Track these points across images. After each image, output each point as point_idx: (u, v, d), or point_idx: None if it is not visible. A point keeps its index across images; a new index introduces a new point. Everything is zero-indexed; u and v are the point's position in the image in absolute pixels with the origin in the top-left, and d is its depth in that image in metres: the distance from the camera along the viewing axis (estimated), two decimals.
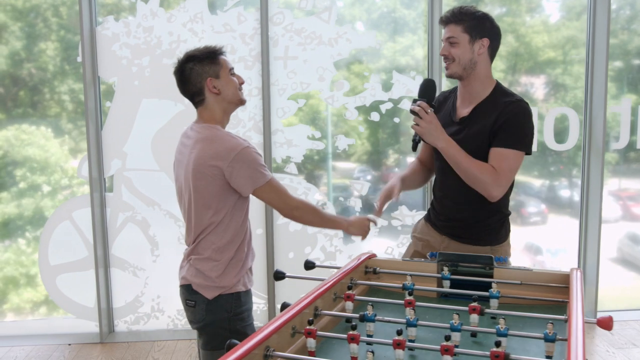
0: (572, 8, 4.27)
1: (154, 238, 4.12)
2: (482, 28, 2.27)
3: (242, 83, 2.29)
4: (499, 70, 4.19)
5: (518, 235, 4.27)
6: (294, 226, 4.16)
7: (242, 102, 2.28)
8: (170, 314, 4.19)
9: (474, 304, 1.74)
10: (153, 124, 4.02)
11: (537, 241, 4.44)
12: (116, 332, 4.18)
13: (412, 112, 2.24)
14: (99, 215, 4.03)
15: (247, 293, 2.28)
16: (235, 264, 2.23)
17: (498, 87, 2.35)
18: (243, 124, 4.05)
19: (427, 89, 2.29)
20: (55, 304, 4.18)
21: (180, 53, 3.89)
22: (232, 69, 2.27)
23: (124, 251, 4.14)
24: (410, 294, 1.84)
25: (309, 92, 4.09)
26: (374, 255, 2.34)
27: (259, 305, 4.22)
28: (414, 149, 2.30)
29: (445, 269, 2.12)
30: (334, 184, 4.28)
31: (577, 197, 4.38)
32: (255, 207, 4.08)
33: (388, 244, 4.21)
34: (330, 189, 4.31)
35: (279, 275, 2.22)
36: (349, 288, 1.92)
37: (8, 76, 4.09)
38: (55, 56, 4.07)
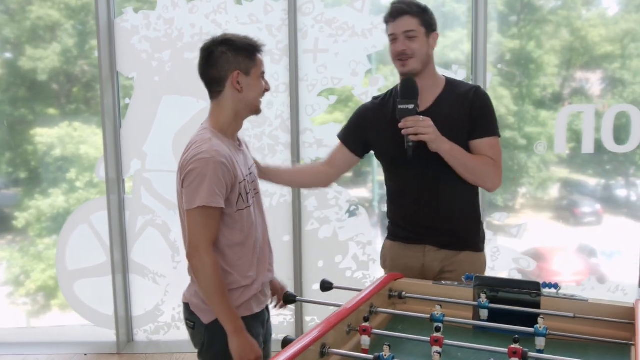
0: (632, 0, 3.87)
1: (175, 243, 3.87)
2: (432, 21, 2.18)
3: (267, 90, 2.01)
4: (552, 65, 3.82)
5: (571, 236, 3.98)
6: (324, 233, 3.85)
7: (258, 111, 2.01)
8: None
9: (516, 345, 1.40)
10: (174, 122, 3.78)
11: (591, 243, 4.08)
12: (135, 342, 3.96)
13: (407, 115, 2.06)
14: (116, 218, 3.81)
15: (253, 318, 2.00)
16: (236, 288, 1.95)
17: (448, 79, 2.27)
18: (269, 123, 3.77)
19: (412, 88, 2.11)
20: (74, 310, 4.00)
21: None
22: (264, 72, 1.99)
23: (144, 257, 3.92)
24: (437, 330, 1.51)
25: (341, 88, 3.77)
26: (400, 276, 2.02)
27: (285, 317, 3.93)
28: (410, 156, 2.07)
29: (483, 295, 1.78)
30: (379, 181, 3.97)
31: (634, 197, 4.01)
32: (282, 212, 3.81)
33: None
34: (376, 187, 4.02)
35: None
36: (366, 320, 1.60)
37: (62, 73, 4.01)
38: None
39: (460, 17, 3.80)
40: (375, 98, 2.40)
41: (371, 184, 4.05)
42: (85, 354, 3.82)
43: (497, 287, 1.80)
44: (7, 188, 4.13)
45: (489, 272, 3.76)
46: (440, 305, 1.69)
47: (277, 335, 1.98)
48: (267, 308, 2.12)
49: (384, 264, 2.42)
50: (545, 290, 1.79)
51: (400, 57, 2.14)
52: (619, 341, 1.56)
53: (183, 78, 3.70)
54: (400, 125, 2.06)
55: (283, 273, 3.75)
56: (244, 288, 1.96)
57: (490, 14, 3.73)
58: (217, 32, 3.58)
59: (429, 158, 2.11)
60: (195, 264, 1.86)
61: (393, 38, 2.16)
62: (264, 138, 3.77)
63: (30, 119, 4.01)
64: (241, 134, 3.74)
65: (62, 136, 3.97)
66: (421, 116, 2.06)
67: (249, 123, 3.75)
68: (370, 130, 2.31)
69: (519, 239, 3.82)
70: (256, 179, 2.11)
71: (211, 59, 1.93)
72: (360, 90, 3.73)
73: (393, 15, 2.14)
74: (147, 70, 3.74)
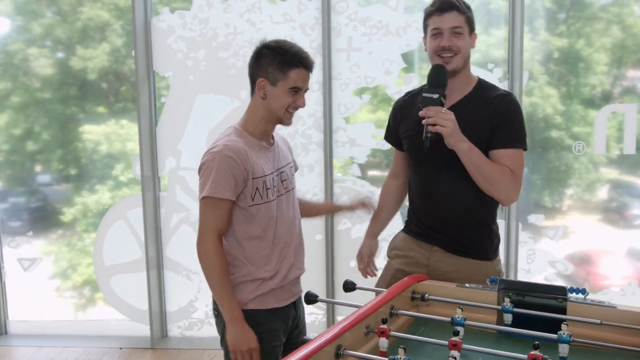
0: None
1: None
2: (473, 21, 2.12)
3: (298, 107, 2.02)
4: (602, 64, 3.72)
5: (620, 239, 3.85)
6: (357, 232, 3.83)
7: (283, 122, 2.04)
8: None
9: (535, 352, 1.35)
10: (208, 121, 3.81)
11: None
12: (169, 337, 4.02)
13: (429, 104, 1.94)
14: (151, 215, 3.87)
15: (270, 312, 2.02)
16: (251, 280, 1.99)
17: (481, 80, 2.18)
18: (302, 122, 3.76)
19: (442, 77, 1.98)
20: (110, 305, 4.09)
21: (237, 45, 3.73)
22: (300, 89, 1.99)
23: (178, 253, 3.97)
24: (456, 334, 1.48)
25: (375, 87, 3.74)
26: (424, 278, 1.98)
27: (317, 316, 3.93)
28: (427, 148, 1.95)
29: (507, 299, 1.74)
30: None
31: None
32: None
33: None
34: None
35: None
36: (384, 321, 1.57)
37: (111, 72, 4.11)
38: None
39: (507, 15, 3.71)
40: (407, 93, 2.36)
41: None
42: (121, 348, 3.90)
43: (522, 291, 1.76)
44: (58, 184, 4.25)
45: (524, 275, 3.70)
46: (461, 309, 1.66)
47: (309, 334, 1.96)
48: (295, 305, 2.13)
49: (389, 253, 2.37)
50: (572, 296, 1.74)
51: (443, 53, 2.05)
52: None
53: (217, 77, 3.74)
54: (421, 113, 1.95)
55: (315, 272, 3.75)
56: (260, 281, 1.99)
57: (537, 11, 3.65)
58: (251, 31, 3.66)
59: (445, 158, 2.03)
60: (200, 251, 1.93)
61: (437, 32, 2.06)
62: (296, 137, 3.77)
63: (81, 117, 4.12)
64: (274, 133, 3.77)
65: (108, 133, 4.06)
66: (443, 108, 1.95)
67: None
68: (401, 124, 2.28)
69: (556, 242, 3.72)
70: (289, 178, 2.13)
71: (252, 59, 2.00)
72: (394, 89, 3.69)
73: (441, 9, 2.05)
74: (183, 69, 3.79)
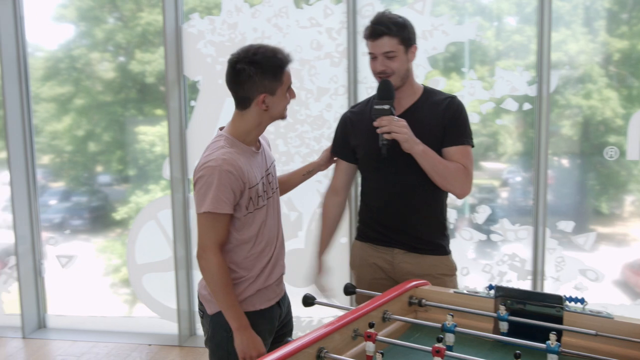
0: None
1: None
2: (411, 35, 2.23)
3: (293, 98, 2.06)
4: None
5: None
6: None
7: (283, 118, 2.06)
8: None
9: None
10: None
11: None
12: (197, 336, 4.11)
13: (382, 115, 2.12)
14: (180, 216, 3.96)
15: (258, 314, 2.05)
16: (241, 282, 2.02)
17: (426, 87, 2.35)
18: (328, 125, 3.78)
19: (389, 90, 2.17)
20: (141, 302, 4.20)
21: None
22: (290, 84, 2.03)
23: None
24: (439, 340, 1.47)
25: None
26: (425, 283, 1.98)
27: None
28: (385, 154, 2.15)
29: (502, 307, 1.72)
30: None
31: None
32: None
33: (485, 261, 3.74)
34: None
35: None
36: (371, 326, 1.58)
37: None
38: None
39: (564, 17, 3.63)
40: (352, 107, 2.52)
41: None
42: (150, 345, 4.00)
43: (519, 299, 1.74)
44: (119, 184, 4.41)
45: (552, 283, 3.62)
46: (452, 315, 1.65)
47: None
48: (279, 304, 2.16)
49: (353, 264, 2.46)
50: (572, 305, 1.70)
51: (380, 75, 2.21)
52: None
53: None
54: (375, 123, 2.13)
55: (339, 275, 3.75)
56: (247, 283, 2.03)
57: (598, 12, 3.57)
58: (278, 36, 3.70)
59: (401, 162, 2.19)
60: (203, 264, 1.95)
61: (373, 56, 2.22)
62: (322, 140, 3.79)
63: (140, 119, 4.26)
64: (301, 137, 3.80)
65: (162, 135, 4.17)
66: (396, 116, 2.13)
67: (308, 126, 3.81)
68: (352, 136, 2.37)
69: (588, 252, 3.62)
70: (274, 179, 2.16)
71: (238, 78, 1.96)
72: None
73: (372, 37, 2.19)
74: (212, 73, 3.87)
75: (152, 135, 4.21)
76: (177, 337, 4.03)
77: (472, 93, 3.62)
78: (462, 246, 3.71)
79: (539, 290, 3.59)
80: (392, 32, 2.17)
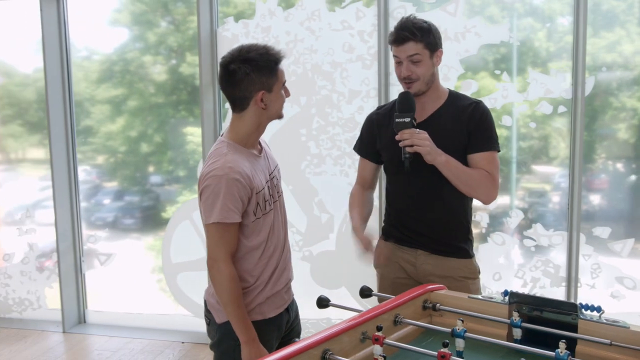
0: None
1: None
2: (437, 40, 2.24)
3: (288, 96, 2.07)
4: None
5: None
6: None
7: (280, 117, 2.08)
8: None
9: None
10: (269, 126, 3.87)
11: None
12: None
13: (403, 128, 2.14)
14: None
15: (267, 322, 2.05)
16: (251, 290, 2.02)
17: (452, 92, 2.36)
18: (360, 127, 3.78)
19: (409, 102, 2.19)
20: (176, 300, 4.29)
21: (297, 53, 3.82)
22: (285, 81, 2.04)
23: None
24: (445, 346, 1.47)
25: None
26: (441, 287, 1.96)
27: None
28: (408, 168, 2.17)
29: (516, 314, 1.69)
30: None
31: None
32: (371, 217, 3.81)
33: (519, 264, 3.68)
34: None
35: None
36: (379, 329, 1.58)
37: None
38: None
39: (620, 16, 3.55)
40: (378, 108, 2.54)
41: None
42: (183, 342, 4.08)
43: (533, 306, 1.71)
44: (170, 184, 4.52)
45: (588, 290, 3.53)
46: (462, 320, 1.63)
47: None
48: (288, 310, 2.17)
49: (377, 263, 2.42)
50: (588, 313, 1.67)
51: (405, 81, 2.23)
52: None
53: None
54: (397, 137, 2.15)
55: (368, 279, 3.75)
56: (257, 291, 2.02)
57: None
58: (311, 39, 3.73)
59: (425, 168, 2.18)
60: (214, 274, 1.95)
61: (398, 61, 2.24)
62: (354, 142, 3.79)
63: (190, 120, 4.37)
64: (332, 139, 3.81)
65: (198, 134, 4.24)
66: (417, 129, 2.14)
67: (339, 128, 3.82)
68: (378, 138, 2.40)
69: (622, 258, 3.52)
70: (279, 182, 2.17)
71: (233, 79, 1.95)
72: None
73: (397, 42, 2.22)
74: None
75: (199, 136, 4.28)
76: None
77: (505, 96, 3.56)
78: (503, 251, 3.66)
79: (572, 298, 3.51)
80: (416, 37, 2.19)
